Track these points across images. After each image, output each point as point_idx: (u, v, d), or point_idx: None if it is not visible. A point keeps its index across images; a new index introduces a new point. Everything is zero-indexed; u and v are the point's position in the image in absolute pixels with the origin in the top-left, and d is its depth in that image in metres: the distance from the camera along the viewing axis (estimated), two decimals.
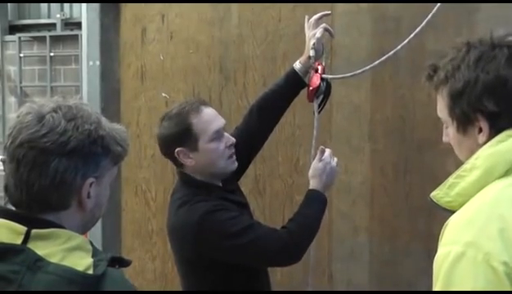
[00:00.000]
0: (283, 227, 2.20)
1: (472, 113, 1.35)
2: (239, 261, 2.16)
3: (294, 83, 2.44)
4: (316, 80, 2.39)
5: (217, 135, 2.18)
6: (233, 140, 2.23)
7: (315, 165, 2.30)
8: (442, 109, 1.43)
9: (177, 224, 2.18)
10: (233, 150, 2.23)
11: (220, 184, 2.27)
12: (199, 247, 2.12)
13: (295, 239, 2.15)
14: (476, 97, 1.33)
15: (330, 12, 2.50)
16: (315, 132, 2.43)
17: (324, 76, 2.40)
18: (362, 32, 3.10)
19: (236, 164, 2.25)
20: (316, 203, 2.26)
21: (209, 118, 2.19)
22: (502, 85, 1.33)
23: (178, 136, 2.17)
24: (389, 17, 3.01)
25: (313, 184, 2.28)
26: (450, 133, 1.43)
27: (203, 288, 2.21)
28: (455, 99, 1.37)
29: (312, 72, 2.41)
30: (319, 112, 2.43)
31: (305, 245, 2.20)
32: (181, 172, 2.26)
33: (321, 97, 2.42)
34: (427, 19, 2.26)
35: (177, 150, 2.18)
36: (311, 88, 2.40)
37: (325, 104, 2.45)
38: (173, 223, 2.21)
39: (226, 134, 2.22)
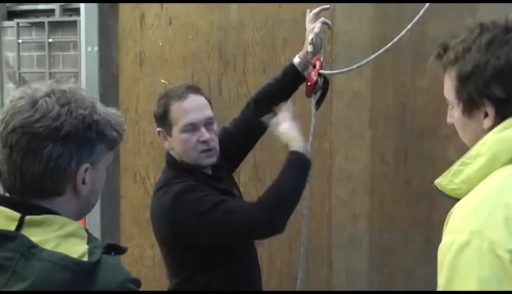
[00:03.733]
0: (258, 198, 2.12)
1: (479, 97, 1.32)
2: (215, 239, 2.12)
3: (292, 78, 2.41)
4: (313, 76, 2.37)
5: (190, 128, 2.15)
6: (206, 136, 2.15)
7: (284, 126, 2.21)
8: (448, 90, 1.39)
9: (154, 208, 2.19)
10: (208, 146, 2.17)
11: (209, 172, 2.24)
12: (174, 229, 2.09)
13: (268, 210, 2.06)
14: (484, 82, 1.30)
15: (328, 6, 2.47)
16: (312, 128, 2.41)
17: (321, 71, 2.38)
18: (363, 18, 3.07)
19: (212, 159, 2.20)
20: (294, 166, 2.15)
21: (188, 109, 2.16)
22: None
23: (158, 117, 2.21)
24: (390, 4, 2.99)
25: (293, 145, 2.18)
26: (455, 115, 1.40)
27: (184, 275, 2.19)
28: (463, 81, 1.34)
29: (310, 67, 2.38)
30: (317, 108, 2.42)
31: (281, 214, 2.10)
32: (167, 153, 2.26)
33: (319, 93, 2.40)
34: (418, 16, 2.23)
35: (158, 129, 2.23)
36: (308, 84, 2.38)
37: (323, 100, 2.43)
38: (151, 207, 2.21)
39: (202, 129, 2.15)
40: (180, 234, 2.10)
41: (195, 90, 2.24)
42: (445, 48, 1.39)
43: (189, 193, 2.09)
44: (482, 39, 1.32)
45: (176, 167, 2.21)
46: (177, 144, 2.18)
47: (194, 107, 2.17)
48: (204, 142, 2.16)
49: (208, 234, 2.10)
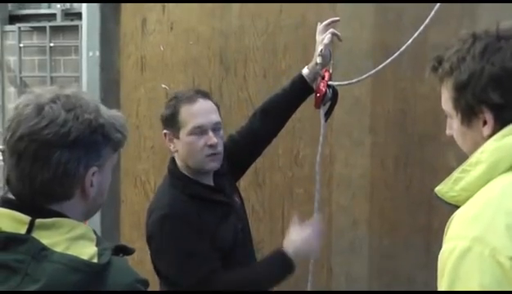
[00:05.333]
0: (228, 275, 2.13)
1: (477, 105, 1.33)
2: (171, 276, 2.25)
3: (301, 89, 2.41)
4: (322, 87, 2.38)
5: (198, 131, 2.17)
6: (214, 140, 2.16)
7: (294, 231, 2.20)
8: (446, 102, 1.41)
9: (146, 217, 2.26)
10: (214, 151, 2.18)
11: (211, 183, 2.25)
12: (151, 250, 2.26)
13: (226, 287, 2.10)
14: (481, 89, 1.32)
15: (338, 18, 2.48)
16: (321, 139, 2.42)
17: (330, 83, 2.39)
18: (364, 25, 3.08)
19: (216, 164, 2.21)
20: (275, 267, 2.17)
21: (197, 112, 2.18)
22: (508, 76, 1.31)
23: (165, 119, 2.23)
24: (391, 9, 3.00)
25: (286, 245, 2.17)
26: (454, 125, 1.41)
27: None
28: (460, 90, 1.35)
29: (319, 79, 2.39)
30: (326, 119, 2.42)
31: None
32: (171, 159, 2.28)
33: (328, 104, 2.41)
34: (429, 18, 2.24)
35: (164, 132, 2.24)
36: (317, 95, 2.39)
37: (332, 111, 2.44)
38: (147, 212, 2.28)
39: (210, 133, 2.17)
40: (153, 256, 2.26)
41: (204, 94, 2.26)
42: (439, 61, 1.40)
43: (167, 227, 2.15)
44: (476, 48, 1.34)
45: (175, 176, 2.24)
46: (183, 146, 2.19)
47: (203, 111, 2.19)
48: (211, 146, 2.17)
49: (166, 271, 2.24)
